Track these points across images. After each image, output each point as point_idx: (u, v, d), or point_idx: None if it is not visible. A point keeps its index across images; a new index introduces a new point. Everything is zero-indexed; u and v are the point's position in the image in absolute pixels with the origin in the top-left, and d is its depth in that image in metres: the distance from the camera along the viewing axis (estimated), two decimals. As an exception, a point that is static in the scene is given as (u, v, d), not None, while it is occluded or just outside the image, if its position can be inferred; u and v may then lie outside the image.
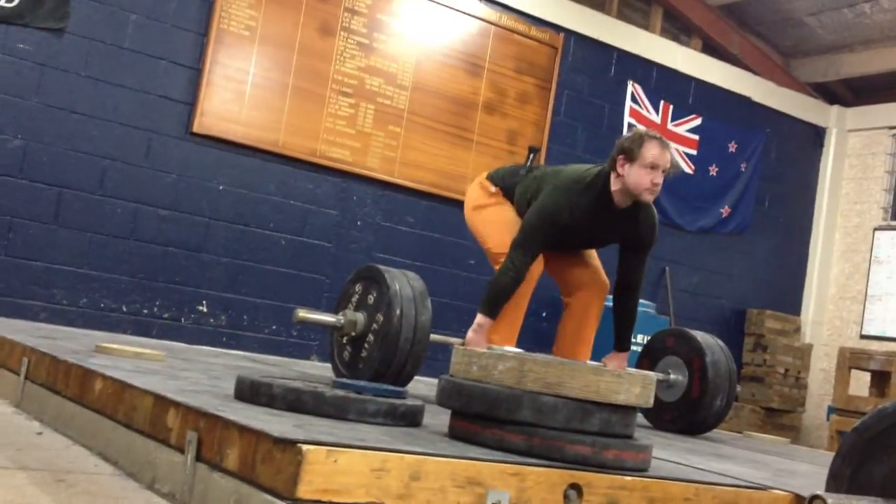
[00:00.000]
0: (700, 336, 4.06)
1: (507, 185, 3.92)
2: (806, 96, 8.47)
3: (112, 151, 5.44)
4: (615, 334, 3.93)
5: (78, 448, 2.44)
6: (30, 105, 5.23)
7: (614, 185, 3.60)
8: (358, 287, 3.37)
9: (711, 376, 3.94)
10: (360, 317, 3.29)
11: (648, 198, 3.57)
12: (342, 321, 3.31)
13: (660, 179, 3.54)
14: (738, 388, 4.36)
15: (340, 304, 3.43)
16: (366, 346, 3.26)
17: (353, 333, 3.29)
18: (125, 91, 5.48)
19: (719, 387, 3.95)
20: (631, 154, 3.52)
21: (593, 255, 4.06)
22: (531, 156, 4.02)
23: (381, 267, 3.33)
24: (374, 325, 3.22)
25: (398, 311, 3.13)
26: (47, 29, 5.25)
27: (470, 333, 3.63)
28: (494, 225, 3.82)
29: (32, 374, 3.07)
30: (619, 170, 3.56)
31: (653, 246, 3.83)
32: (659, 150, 3.54)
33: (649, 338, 4.34)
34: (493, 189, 3.95)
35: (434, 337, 3.39)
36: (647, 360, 4.21)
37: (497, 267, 3.67)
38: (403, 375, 3.21)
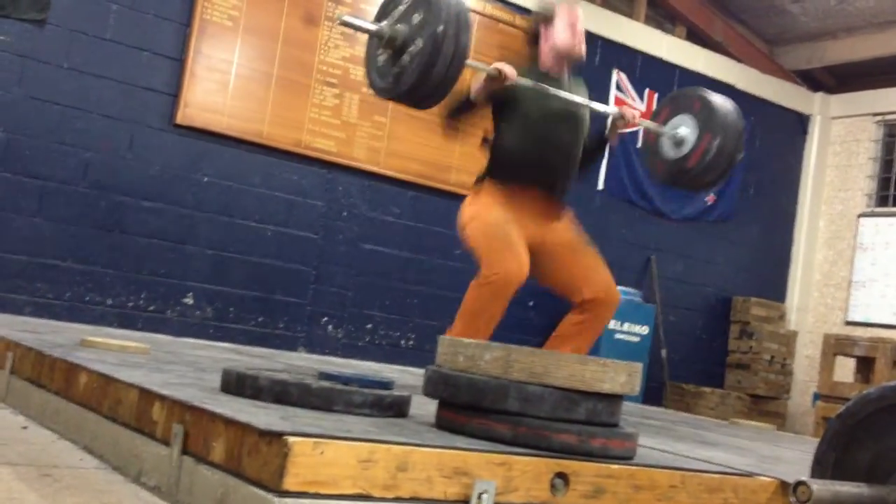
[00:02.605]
0: (722, 114, 3.93)
1: (485, 170, 3.83)
2: (790, 84, 8.49)
3: (95, 143, 5.41)
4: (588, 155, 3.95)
5: (63, 442, 2.43)
6: (11, 97, 5.19)
7: (543, 52, 3.80)
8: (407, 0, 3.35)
9: (711, 157, 3.89)
10: (402, 29, 3.29)
11: (582, 50, 3.78)
12: (385, 31, 3.32)
13: (583, 38, 3.79)
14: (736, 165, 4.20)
15: (383, 13, 3.43)
16: (406, 57, 3.27)
17: (392, 47, 3.31)
18: (108, 83, 5.44)
19: (713, 168, 3.93)
20: (549, 18, 3.78)
21: (599, 259, 3.93)
22: (484, 140, 3.97)
23: None
24: (417, 44, 3.23)
25: (441, 37, 3.14)
26: (28, 20, 5.20)
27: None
28: (482, 238, 3.66)
29: (17, 369, 3.05)
30: (546, 35, 3.79)
31: None
32: (573, 12, 3.80)
33: (674, 95, 4.30)
34: (475, 189, 3.82)
35: (469, 62, 3.37)
36: (669, 108, 4.15)
37: (481, 289, 3.56)
38: (440, 90, 3.29)
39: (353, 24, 3.42)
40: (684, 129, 3.99)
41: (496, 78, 3.56)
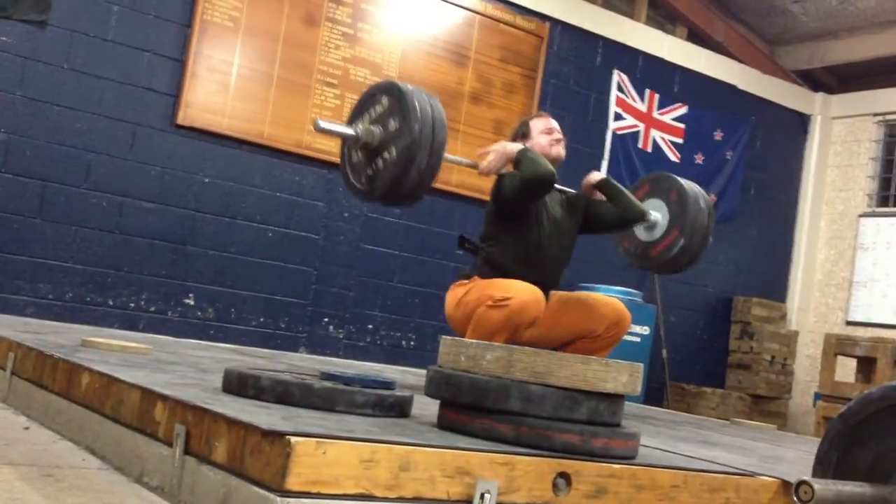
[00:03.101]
0: (693, 214, 4.01)
1: (473, 269, 3.83)
2: (791, 84, 8.49)
3: (97, 144, 5.41)
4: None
5: (65, 443, 2.43)
6: (13, 98, 5.19)
7: None
8: (384, 102, 3.36)
9: (674, 254, 4.04)
10: (377, 131, 3.33)
11: (560, 151, 3.89)
12: (361, 136, 3.36)
13: (560, 136, 3.90)
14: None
15: (360, 111, 3.46)
16: (380, 161, 3.31)
17: (369, 148, 3.35)
18: (109, 83, 5.44)
19: (673, 263, 4.10)
20: (525, 132, 3.90)
21: (590, 295, 4.02)
22: (466, 243, 3.97)
23: (407, 90, 3.31)
24: (391, 151, 3.26)
25: (418, 143, 3.19)
26: (29, 21, 5.21)
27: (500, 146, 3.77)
28: (488, 286, 3.61)
29: (19, 369, 3.06)
30: None
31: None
32: (545, 119, 3.94)
33: (656, 175, 4.40)
34: (467, 282, 3.78)
35: (447, 156, 3.43)
36: (649, 186, 4.23)
37: (494, 310, 3.50)
38: (412, 196, 3.37)
39: (329, 129, 3.47)
40: (655, 214, 4.13)
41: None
